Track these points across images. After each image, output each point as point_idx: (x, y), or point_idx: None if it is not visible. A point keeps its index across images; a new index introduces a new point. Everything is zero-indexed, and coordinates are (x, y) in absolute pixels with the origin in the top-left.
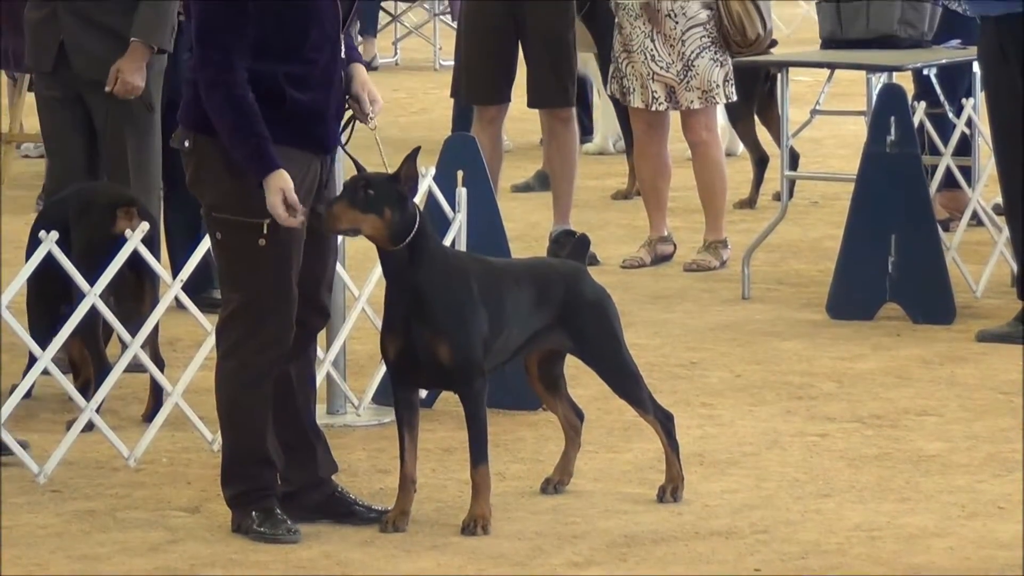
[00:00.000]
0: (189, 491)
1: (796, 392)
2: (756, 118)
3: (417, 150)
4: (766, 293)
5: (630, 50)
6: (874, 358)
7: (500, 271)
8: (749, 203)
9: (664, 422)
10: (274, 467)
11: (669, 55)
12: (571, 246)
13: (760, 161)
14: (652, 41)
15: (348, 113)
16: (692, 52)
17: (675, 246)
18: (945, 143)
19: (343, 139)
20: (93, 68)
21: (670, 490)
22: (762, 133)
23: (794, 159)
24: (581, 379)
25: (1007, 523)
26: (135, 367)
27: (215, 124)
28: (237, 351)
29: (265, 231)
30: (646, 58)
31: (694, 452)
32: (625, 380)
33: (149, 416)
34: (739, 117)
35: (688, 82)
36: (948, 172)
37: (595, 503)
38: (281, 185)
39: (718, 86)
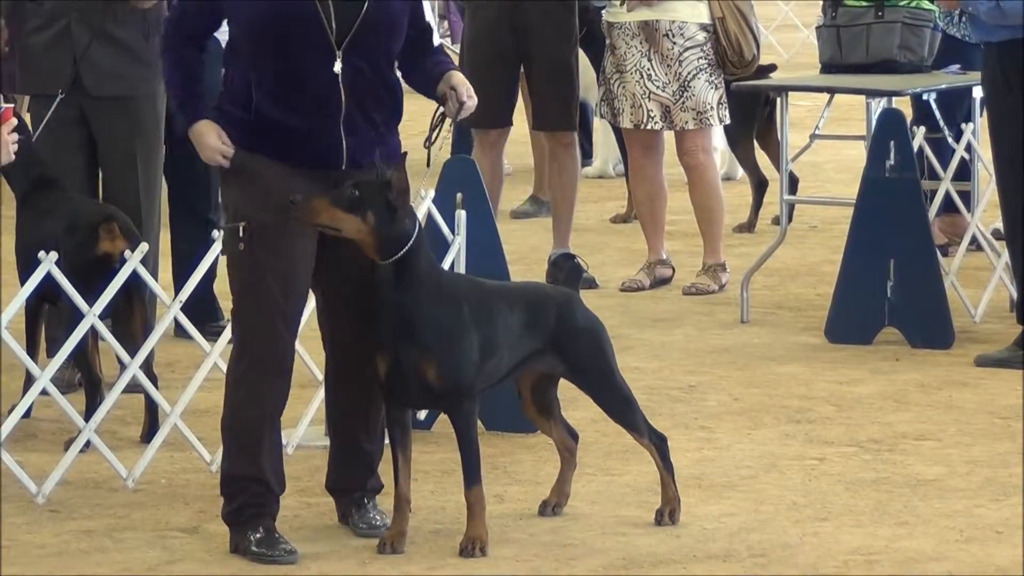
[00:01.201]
0: (187, 512)
1: (794, 416)
2: (755, 142)
3: (403, 155)
4: (765, 317)
5: (623, 70)
6: (872, 382)
7: (493, 294)
8: (748, 227)
9: (658, 444)
10: (270, 487)
11: (666, 75)
12: (565, 273)
13: (759, 185)
14: (649, 60)
15: (438, 110)
16: (688, 73)
17: (674, 269)
18: (944, 168)
19: (431, 138)
20: (106, 85)
21: (667, 513)
22: (761, 157)
23: (793, 183)
24: (579, 402)
25: (1005, 548)
26: (131, 387)
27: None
28: (234, 368)
29: (242, 234)
30: (641, 77)
31: (692, 475)
32: (619, 405)
33: (147, 436)
34: (738, 141)
35: (683, 103)
36: (947, 197)
37: (593, 525)
38: (204, 132)
39: (712, 108)
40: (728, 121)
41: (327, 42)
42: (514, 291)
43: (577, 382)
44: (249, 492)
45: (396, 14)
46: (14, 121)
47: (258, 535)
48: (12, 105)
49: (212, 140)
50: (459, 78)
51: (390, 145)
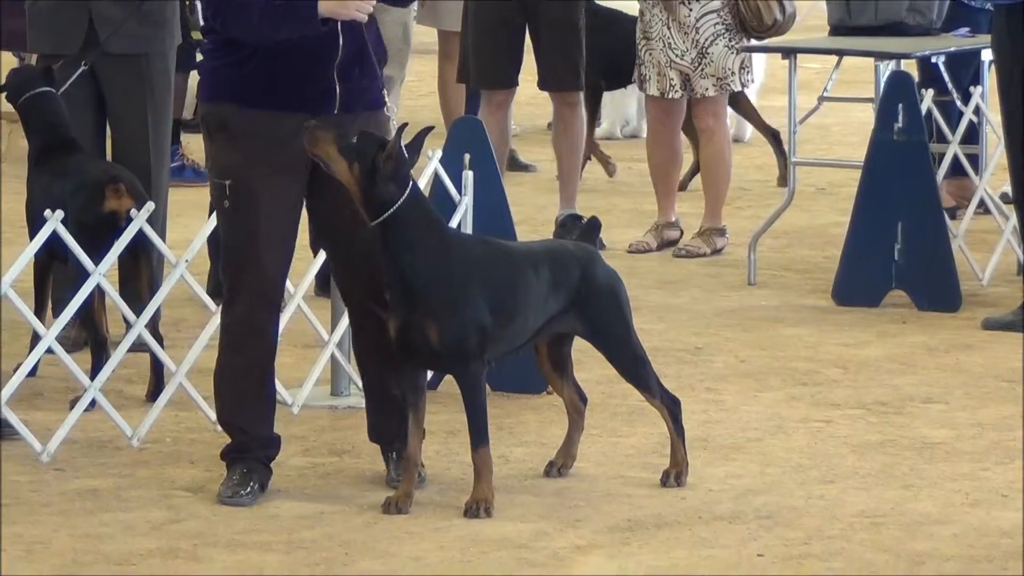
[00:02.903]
0: (192, 471)
1: (801, 378)
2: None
3: (403, 127)
4: (772, 279)
5: (649, 37)
6: (879, 345)
7: (515, 256)
8: (782, 180)
9: (671, 407)
10: (248, 434)
11: (684, 43)
12: (582, 229)
13: (775, 137)
14: (668, 29)
15: None
16: (706, 39)
17: (682, 232)
18: (952, 131)
19: None
20: (120, 42)
21: (674, 475)
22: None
23: (778, 141)
24: (585, 363)
25: (1011, 511)
26: (137, 347)
27: (260, 38)
28: (222, 318)
29: (227, 192)
30: (664, 46)
31: (698, 437)
32: (634, 365)
33: (152, 396)
34: (737, 101)
35: (702, 69)
36: (955, 160)
37: (598, 487)
38: None
39: (733, 73)
40: (750, 86)
41: None
42: (538, 251)
43: (594, 342)
44: (232, 438)
45: None
46: None
47: (233, 479)
48: None
49: None
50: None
51: (376, 94)
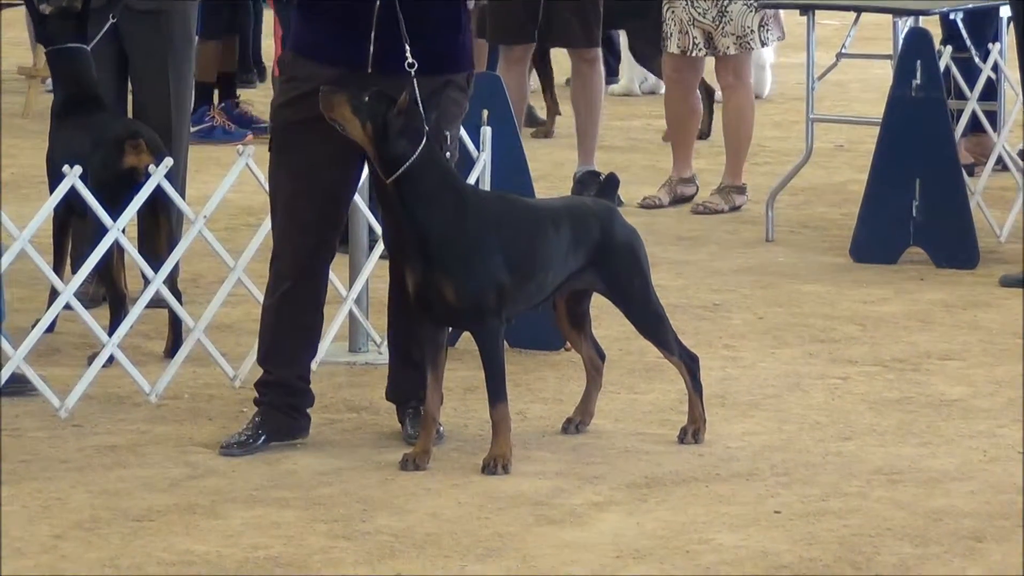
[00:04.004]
0: (210, 427)
1: (818, 335)
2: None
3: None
4: (790, 236)
5: None
6: (897, 302)
7: (534, 212)
8: (704, 135)
9: (689, 364)
10: (270, 374)
11: (706, 1)
12: (601, 185)
13: (708, 94)
14: None
15: None
16: None
17: (697, 188)
18: (971, 88)
19: None
20: None
21: (691, 432)
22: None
23: (710, 94)
24: (602, 320)
25: None
26: (155, 302)
27: None
28: (271, 264)
29: (271, 134)
30: (687, 3)
31: (716, 394)
32: (652, 322)
33: (171, 351)
34: (651, 59)
35: (723, 27)
36: (974, 117)
37: (616, 443)
38: None
39: (753, 31)
40: (772, 43)
41: None
42: (558, 208)
43: (613, 298)
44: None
45: None
46: None
47: (242, 427)
48: None
49: None
50: None
51: (439, 55)
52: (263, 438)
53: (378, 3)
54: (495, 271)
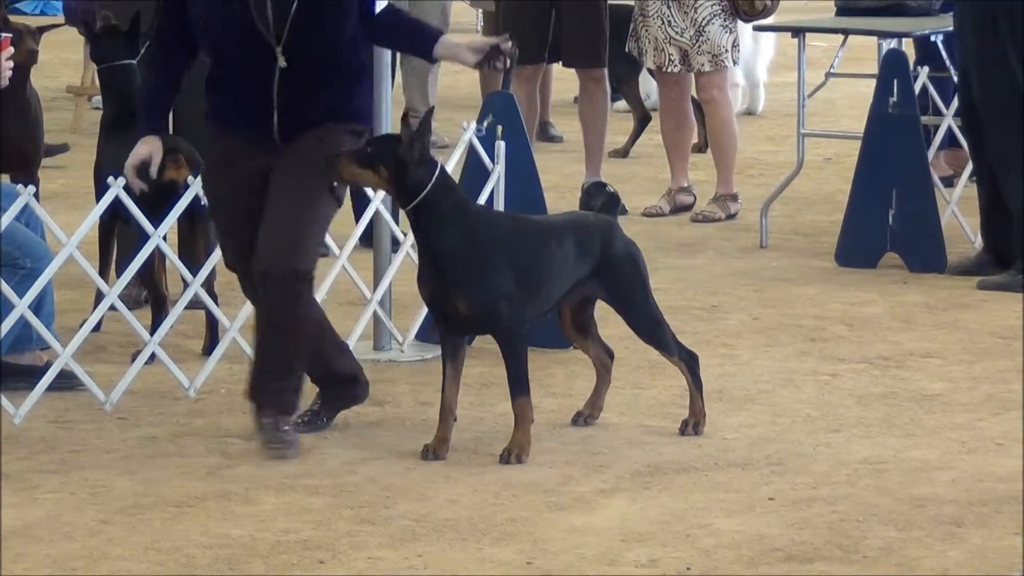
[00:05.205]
0: (245, 419)
1: (809, 334)
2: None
3: (405, 114)
4: (782, 242)
5: (646, 14)
6: (882, 303)
7: (540, 230)
8: (623, 153)
9: (689, 362)
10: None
11: (683, 21)
12: (603, 201)
13: (643, 119)
14: (668, 8)
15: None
16: (703, 19)
17: (695, 197)
18: (947, 105)
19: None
20: None
21: (692, 424)
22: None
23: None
24: (609, 320)
25: (1005, 458)
26: (194, 304)
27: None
28: None
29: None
30: (662, 23)
31: (714, 389)
32: (651, 327)
33: (208, 350)
34: (625, 79)
35: (699, 46)
36: (951, 131)
37: (621, 435)
38: (138, 151)
39: (726, 50)
40: (739, 63)
41: (264, 41)
42: (561, 224)
43: (615, 305)
44: None
45: (327, 3)
46: (11, 50)
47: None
48: (10, 35)
49: (133, 160)
50: (480, 39)
51: (341, 107)
52: (323, 419)
53: (277, 74)
54: (505, 285)
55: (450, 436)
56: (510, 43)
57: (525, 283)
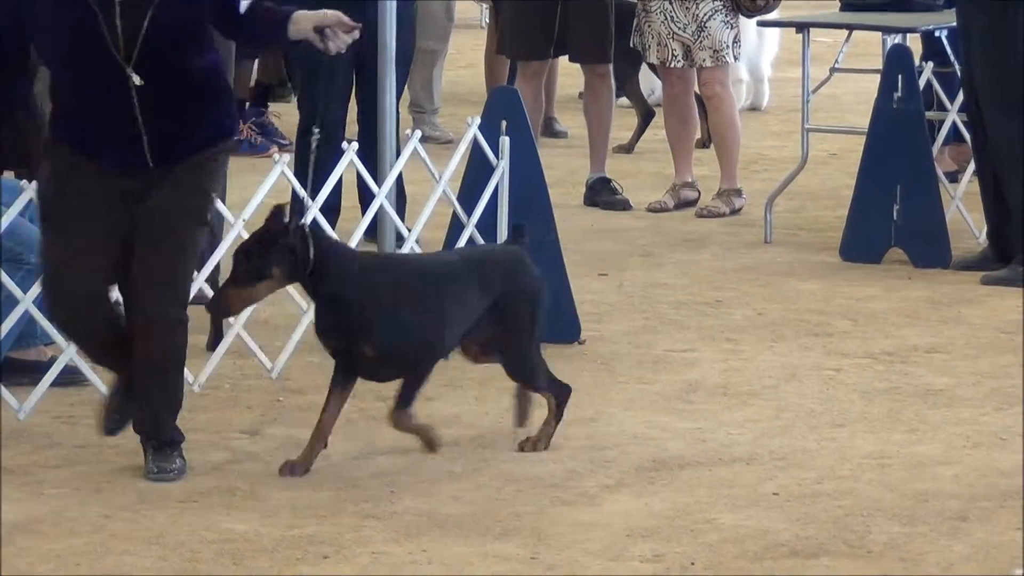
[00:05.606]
0: (249, 415)
1: (813, 329)
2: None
3: (278, 207)
4: (786, 237)
5: (648, 10)
6: (886, 299)
7: (437, 269)
8: (627, 149)
9: (559, 396)
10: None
11: (685, 16)
12: (510, 233)
13: (647, 115)
14: (670, 3)
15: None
16: (705, 14)
17: (699, 193)
18: (951, 100)
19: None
20: None
21: (533, 443)
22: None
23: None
24: (612, 315)
25: (1008, 453)
26: (198, 299)
27: None
28: None
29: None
30: (665, 18)
31: (718, 384)
32: (526, 369)
33: (212, 345)
34: (627, 78)
35: (701, 42)
36: (956, 127)
37: (625, 430)
38: None
39: (727, 46)
40: (740, 58)
41: (114, 58)
42: (465, 259)
43: (496, 335)
44: None
45: (184, 16)
46: None
47: None
48: None
49: None
50: (322, 14)
51: (213, 127)
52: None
53: (135, 94)
54: (410, 323)
55: (312, 461)
56: (355, 26)
57: (429, 322)
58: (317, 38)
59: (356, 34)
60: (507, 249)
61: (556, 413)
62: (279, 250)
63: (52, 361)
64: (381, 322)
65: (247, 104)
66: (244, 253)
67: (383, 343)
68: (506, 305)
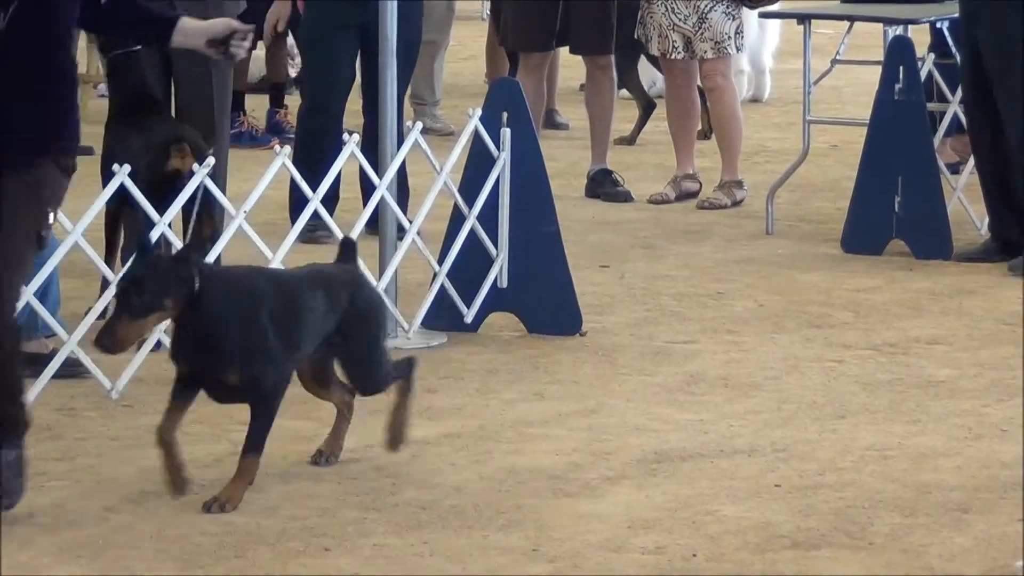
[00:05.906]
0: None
1: (815, 321)
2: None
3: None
4: (788, 229)
5: (650, 1)
6: (888, 290)
7: (294, 286)
8: (629, 141)
9: (402, 373)
10: None
11: (686, 7)
12: (340, 251)
13: (648, 107)
14: None
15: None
16: (706, 6)
17: (701, 184)
18: (953, 92)
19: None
20: (192, 13)
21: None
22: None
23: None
24: (614, 307)
25: (1010, 444)
26: None
27: None
28: None
29: None
30: (666, 10)
31: (719, 376)
32: (372, 383)
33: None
34: (625, 69)
35: (702, 33)
36: (958, 118)
37: (627, 422)
38: None
39: (729, 37)
40: (743, 50)
41: None
42: (312, 278)
43: (341, 356)
44: None
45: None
46: None
47: None
48: None
49: None
50: (209, 26)
51: (64, 134)
52: None
53: None
54: (271, 345)
55: (184, 492)
56: (249, 28)
57: (286, 343)
58: (213, 51)
59: (251, 37)
60: (346, 268)
61: (408, 387)
62: (177, 282)
63: (53, 353)
64: (247, 348)
65: (243, 98)
66: (134, 284)
67: (247, 371)
68: (351, 324)
